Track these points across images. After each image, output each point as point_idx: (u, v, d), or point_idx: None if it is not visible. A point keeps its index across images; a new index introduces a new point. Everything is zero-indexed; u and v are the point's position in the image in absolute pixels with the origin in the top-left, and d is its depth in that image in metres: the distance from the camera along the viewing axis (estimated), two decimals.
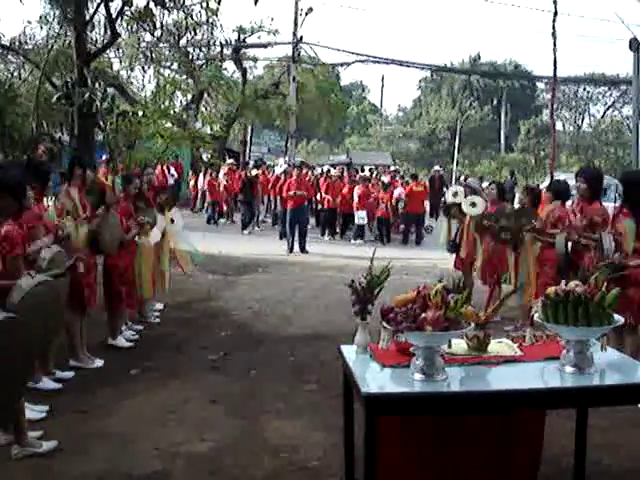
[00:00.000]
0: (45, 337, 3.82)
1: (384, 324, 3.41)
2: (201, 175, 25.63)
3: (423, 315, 3.21)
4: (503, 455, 4.01)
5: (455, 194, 9.84)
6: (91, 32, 15.04)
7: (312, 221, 19.71)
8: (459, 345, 3.69)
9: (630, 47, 14.90)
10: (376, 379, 3.42)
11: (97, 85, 14.07)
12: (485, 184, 15.08)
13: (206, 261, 11.49)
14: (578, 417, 4.21)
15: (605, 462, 4.56)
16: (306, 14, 26.86)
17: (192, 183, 24.82)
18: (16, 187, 3.89)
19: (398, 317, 3.24)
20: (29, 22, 20.46)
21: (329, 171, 20.54)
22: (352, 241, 18.35)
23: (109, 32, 14.75)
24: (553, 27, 16.52)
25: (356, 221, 18.53)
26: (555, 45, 16.57)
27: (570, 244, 6.72)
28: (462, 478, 4.01)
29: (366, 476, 3.21)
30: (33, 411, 5.07)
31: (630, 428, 5.15)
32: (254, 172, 21.29)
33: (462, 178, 25.44)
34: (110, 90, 15.77)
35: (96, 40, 17.51)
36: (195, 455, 4.68)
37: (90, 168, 6.71)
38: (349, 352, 3.75)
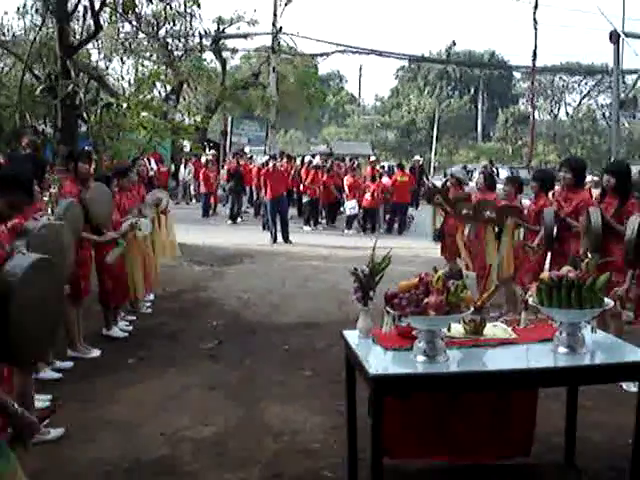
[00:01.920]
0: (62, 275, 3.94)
1: (388, 309, 3.58)
2: (182, 167, 25.65)
3: (426, 300, 3.38)
4: (497, 431, 4.23)
5: None
6: (70, 23, 14.92)
7: (293, 212, 19.88)
8: (457, 329, 3.88)
9: (610, 39, 15.14)
10: (381, 361, 3.58)
11: (80, 77, 14.07)
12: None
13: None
14: (568, 397, 4.42)
15: (594, 439, 4.76)
16: (285, 4, 26.93)
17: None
18: (28, 182, 3.98)
19: (402, 302, 3.40)
20: (6, 13, 20.35)
21: (310, 162, 20.63)
22: (345, 231, 18.52)
23: (92, 24, 14.71)
24: (534, 19, 16.74)
25: (347, 212, 18.73)
26: (536, 37, 16.80)
27: (555, 230, 6.91)
28: (459, 452, 4.22)
29: (373, 453, 3.38)
30: (39, 400, 5.17)
31: (615, 407, 5.35)
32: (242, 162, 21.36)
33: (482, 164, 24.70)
34: (92, 82, 15.75)
35: (75, 31, 17.44)
36: (200, 439, 4.83)
37: (83, 160, 6.77)
38: (352, 337, 3.92)
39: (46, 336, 2.94)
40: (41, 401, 5.26)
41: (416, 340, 3.51)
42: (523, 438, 4.40)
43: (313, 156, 24.83)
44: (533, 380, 3.61)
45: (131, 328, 7.79)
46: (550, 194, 8.01)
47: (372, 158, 22.97)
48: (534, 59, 17.44)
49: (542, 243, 7.13)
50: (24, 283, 2.62)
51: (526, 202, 8.28)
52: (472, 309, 3.61)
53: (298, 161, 23.19)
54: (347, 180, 19.01)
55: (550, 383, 3.84)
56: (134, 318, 8.16)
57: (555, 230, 6.98)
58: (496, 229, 8.42)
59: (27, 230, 3.76)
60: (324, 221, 20.05)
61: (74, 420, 5.07)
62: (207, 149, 25.42)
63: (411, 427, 4.14)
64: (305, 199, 19.48)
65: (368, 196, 18.08)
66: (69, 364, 6.38)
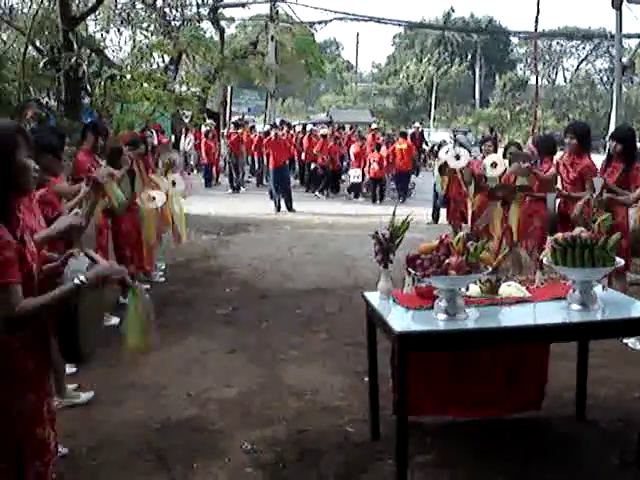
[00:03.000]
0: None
1: (410, 270, 3.74)
2: (182, 137, 25.66)
3: (447, 261, 3.54)
4: (512, 385, 4.44)
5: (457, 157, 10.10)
6: None
7: (294, 180, 20.04)
8: (473, 289, 4.05)
9: (612, 5, 15.12)
10: (404, 320, 3.75)
11: (82, 49, 14.10)
12: (470, 136, 15.39)
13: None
14: (579, 354, 4.61)
15: (602, 395, 4.96)
16: None
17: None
18: (58, 147, 4.14)
19: (424, 263, 3.57)
20: None
21: (311, 130, 20.72)
22: (352, 198, 18.82)
23: None
24: None
25: (351, 179, 18.93)
26: (539, 3, 16.78)
27: (558, 203, 7.07)
28: (476, 407, 4.43)
29: (399, 407, 3.58)
30: (68, 367, 5.35)
31: (622, 365, 5.58)
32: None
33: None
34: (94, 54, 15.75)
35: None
36: (225, 400, 5.03)
37: (102, 136, 6.88)
38: (373, 298, 4.08)
39: (96, 333, 3.09)
40: (69, 367, 5.44)
41: (437, 299, 3.68)
42: (535, 392, 4.60)
43: (315, 124, 24.90)
44: (549, 335, 3.79)
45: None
46: (555, 158, 8.11)
47: (373, 126, 22.93)
48: (536, 26, 17.37)
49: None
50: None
51: None
52: (490, 268, 3.77)
53: (298, 128, 23.24)
54: (354, 148, 19.17)
55: (565, 338, 4.02)
56: (148, 287, 8.31)
57: (557, 205, 7.14)
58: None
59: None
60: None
61: (102, 384, 5.26)
62: (206, 119, 25.41)
63: (429, 384, 4.32)
64: (313, 167, 19.57)
65: (375, 165, 18.13)
66: None
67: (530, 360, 4.51)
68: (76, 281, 2.59)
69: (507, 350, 4.39)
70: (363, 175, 18.76)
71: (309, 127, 22.13)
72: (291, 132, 22.04)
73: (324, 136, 19.45)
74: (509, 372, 4.45)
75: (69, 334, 2.68)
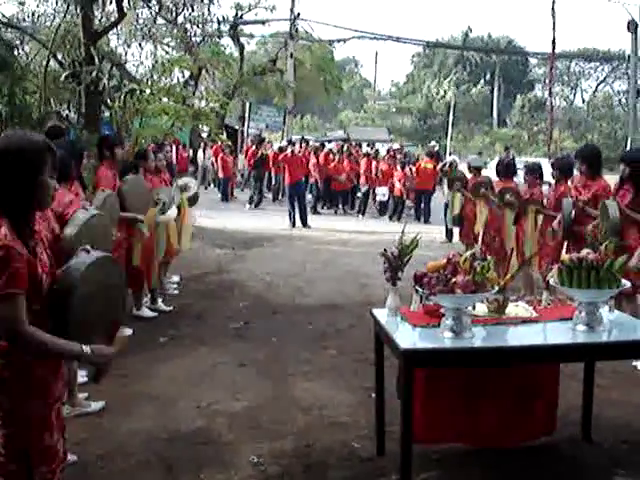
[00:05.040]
0: None
1: (417, 288, 3.79)
2: (200, 151, 25.86)
3: (454, 279, 3.59)
4: (523, 413, 4.41)
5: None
6: (96, 10, 15.13)
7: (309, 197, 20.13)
8: (480, 308, 4.09)
9: (628, 28, 15.20)
10: (410, 337, 3.80)
11: (103, 63, 14.30)
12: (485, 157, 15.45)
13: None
14: (585, 375, 4.63)
15: (609, 415, 4.96)
16: None
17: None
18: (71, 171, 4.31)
19: (432, 281, 3.62)
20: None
21: (329, 148, 20.84)
22: (380, 217, 18.87)
23: (113, 10, 14.95)
24: (552, 9, 16.83)
25: (378, 197, 19.03)
26: (554, 29, 16.88)
27: (574, 213, 7.06)
28: (486, 437, 4.40)
29: (403, 424, 3.62)
30: (80, 376, 5.42)
31: (629, 387, 5.60)
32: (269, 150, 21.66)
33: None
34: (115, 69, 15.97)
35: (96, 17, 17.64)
36: (233, 413, 5.07)
37: (118, 146, 6.97)
38: (381, 315, 4.13)
39: (106, 322, 3.11)
40: (80, 376, 5.51)
41: (443, 317, 3.73)
42: (547, 419, 4.57)
43: (329, 141, 25.03)
44: (554, 355, 3.83)
45: (171, 308, 8.04)
46: (569, 181, 8.14)
47: (396, 146, 22.65)
48: (553, 49, 17.46)
49: (560, 227, 7.28)
50: (85, 278, 2.78)
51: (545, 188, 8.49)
52: (497, 288, 3.81)
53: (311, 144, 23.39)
54: (382, 166, 19.24)
55: (570, 358, 4.07)
56: (161, 299, 8.39)
57: (573, 215, 7.14)
58: (513, 215, 8.58)
59: (78, 219, 3.99)
60: (341, 206, 20.24)
61: (112, 394, 5.31)
62: (224, 135, 25.60)
63: (437, 413, 4.27)
64: (363, 189, 19.55)
65: (398, 184, 18.14)
66: None
67: (541, 384, 4.46)
68: (84, 348, 2.67)
69: (518, 372, 4.37)
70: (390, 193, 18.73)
71: (329, 145, 22.20)
72: (308, 149, 22.16)
73: (367, 155, 19.58)
74: (520, 398, 4.38)
75: (59, 308, 2.71)
